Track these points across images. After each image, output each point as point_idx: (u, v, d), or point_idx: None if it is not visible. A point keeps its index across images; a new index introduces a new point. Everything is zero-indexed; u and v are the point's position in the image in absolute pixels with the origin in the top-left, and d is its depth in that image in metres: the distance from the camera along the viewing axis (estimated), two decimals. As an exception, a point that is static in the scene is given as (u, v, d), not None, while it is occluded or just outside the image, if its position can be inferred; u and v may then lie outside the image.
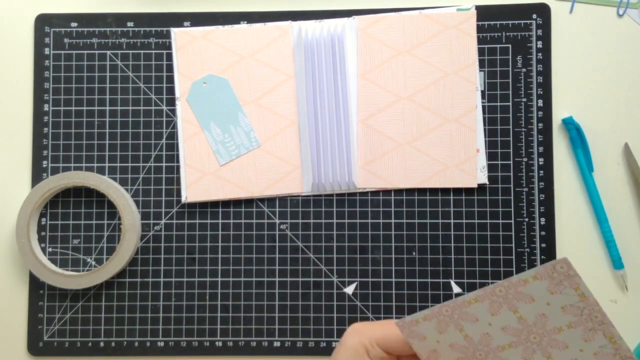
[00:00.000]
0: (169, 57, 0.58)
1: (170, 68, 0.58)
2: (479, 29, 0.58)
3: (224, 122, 0.57)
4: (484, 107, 0.57)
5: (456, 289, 0.56)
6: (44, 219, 0.58)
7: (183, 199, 0.57)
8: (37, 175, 0.58)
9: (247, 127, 0.57)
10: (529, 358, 0.35)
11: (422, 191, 0.57)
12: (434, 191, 0.57)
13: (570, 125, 0.57)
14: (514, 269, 0.56)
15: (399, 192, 0.57)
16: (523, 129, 0.57)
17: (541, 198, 0.57)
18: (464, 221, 0.57)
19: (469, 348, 0.36)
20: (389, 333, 0.37)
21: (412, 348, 0.37)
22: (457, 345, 0.36)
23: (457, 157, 0.57)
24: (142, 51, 0.59)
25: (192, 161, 0.57)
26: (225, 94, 0.58)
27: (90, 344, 0.57)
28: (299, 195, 0.58)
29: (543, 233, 0.56)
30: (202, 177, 0.57)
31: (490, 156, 0.57)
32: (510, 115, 0.57)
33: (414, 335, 0.36)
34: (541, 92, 0.57)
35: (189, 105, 0.57)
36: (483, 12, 0.58)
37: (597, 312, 0.34)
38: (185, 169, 0.57)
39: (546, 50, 0.57)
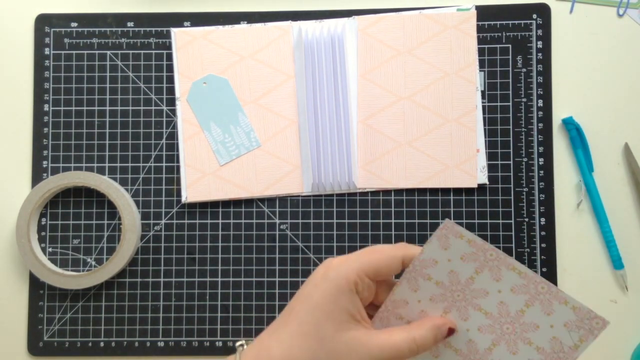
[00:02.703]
0: (169, 57, 0.58)
1: (170, 68, 0.58)
2: (479, 29, 0.57)
3: (224, 122, 0.57)
4: (484, 107, 0.57)
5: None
6: (44, 219, 0.58)
7: (183, 199, 0.57)
8: (37, 175, 0.58)
9: (247, 127, 0.57)
10: (514, 351, 0.36)
11: (422, 191, 0.57)
12: (434, 191, 0.57)
13: (570, 125, 0.57)
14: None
15: (399, 192, 0.57)
16: (523, 129, 0.57)
17: (541, 198, 0.57)
18: (464, 221, 0.57)
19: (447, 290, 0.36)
20: (375, 258, 0.35)
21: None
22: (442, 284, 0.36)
23: (457, 157, 0.57)
24: (142, 51, 0.59)
25: (192, 161, 0.57)
26: (225, 94, 0.58)
27: (90, 344, 0.57)
28: (299, 195, 0.58)
29: (543, 233, 0.56)
30: (202, 177, 0.57)
31: (490, 156, 0.57)
32: (510, 115, 0.57)
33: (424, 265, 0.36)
34: (541, 92, 0.57)
35: (189, 105, 0.57)
36: (483, 12, 0.58)
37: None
38: (185, 169, 0.57)
39: (546, 50, 0.57)
